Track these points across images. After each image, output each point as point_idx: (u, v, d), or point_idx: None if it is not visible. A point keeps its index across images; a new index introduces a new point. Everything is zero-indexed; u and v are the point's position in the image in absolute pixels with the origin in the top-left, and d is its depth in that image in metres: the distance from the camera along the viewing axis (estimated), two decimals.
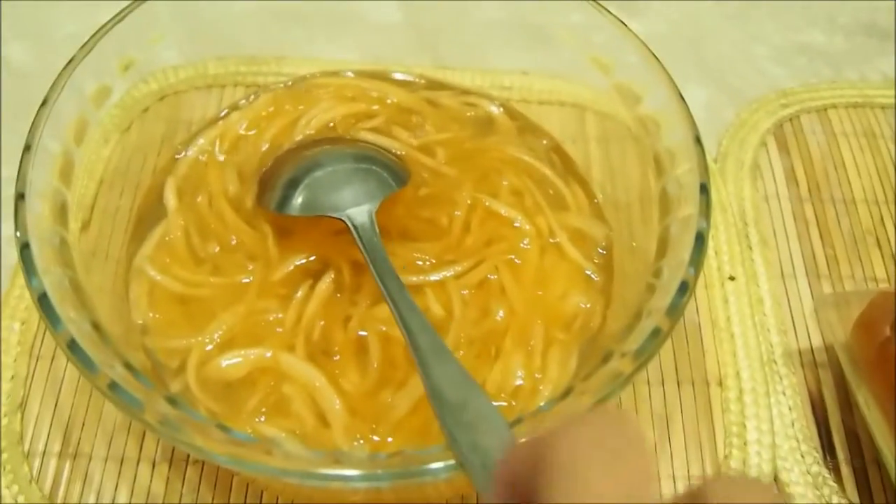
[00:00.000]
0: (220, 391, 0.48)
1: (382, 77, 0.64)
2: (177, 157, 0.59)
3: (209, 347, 0.50)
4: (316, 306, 0.51)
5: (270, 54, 0.68)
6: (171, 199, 0.56)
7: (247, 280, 0.52)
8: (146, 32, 0.54)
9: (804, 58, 0.77)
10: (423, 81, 0.65)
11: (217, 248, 0.54)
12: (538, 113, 0.63)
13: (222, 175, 0.57)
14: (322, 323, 0.50)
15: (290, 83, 0.64)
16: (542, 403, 0.47)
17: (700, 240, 0.43)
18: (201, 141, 0.59)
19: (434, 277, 0.52)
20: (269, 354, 0.49)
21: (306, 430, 0.47)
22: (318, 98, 0.62)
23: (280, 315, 0.50)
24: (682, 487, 0.52)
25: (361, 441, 0.47)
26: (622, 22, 0.52)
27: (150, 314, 0.51)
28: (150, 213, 0.56)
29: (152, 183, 0.57)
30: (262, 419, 0.47)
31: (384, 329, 0.50)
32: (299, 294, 0.51)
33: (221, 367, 0.49)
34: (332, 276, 0.52)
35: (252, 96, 0.63)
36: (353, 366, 0.49)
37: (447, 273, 0.52)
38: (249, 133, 0.61)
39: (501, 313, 0.51)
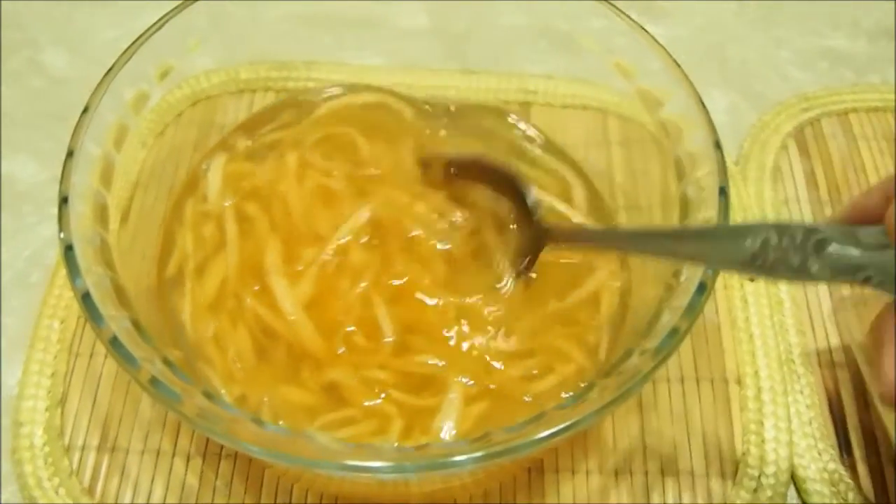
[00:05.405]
0: None
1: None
2: None
3: None
4: None
5: (300, 59, 0.69)
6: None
7: None
8: (183, 40, 0.55)
9: (826, 62, 0.77)
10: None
11: None
12: (562, 116, 0.64)
13: None
14: None
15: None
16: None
17: None
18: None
19: None
20: None
21: None
22: None
23: None
24: (700, 485, 0.54)
25: None
26: (643, 28, 0.52)
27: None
28: None
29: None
30: None
31: None
32: None
33: None
34: None
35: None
36: None
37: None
38: None
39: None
